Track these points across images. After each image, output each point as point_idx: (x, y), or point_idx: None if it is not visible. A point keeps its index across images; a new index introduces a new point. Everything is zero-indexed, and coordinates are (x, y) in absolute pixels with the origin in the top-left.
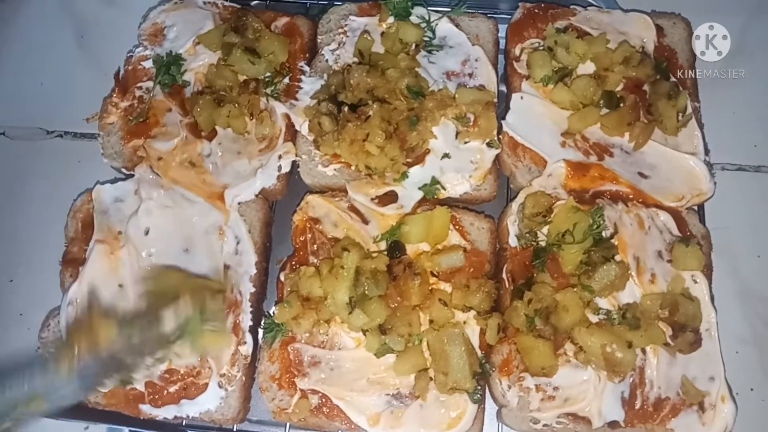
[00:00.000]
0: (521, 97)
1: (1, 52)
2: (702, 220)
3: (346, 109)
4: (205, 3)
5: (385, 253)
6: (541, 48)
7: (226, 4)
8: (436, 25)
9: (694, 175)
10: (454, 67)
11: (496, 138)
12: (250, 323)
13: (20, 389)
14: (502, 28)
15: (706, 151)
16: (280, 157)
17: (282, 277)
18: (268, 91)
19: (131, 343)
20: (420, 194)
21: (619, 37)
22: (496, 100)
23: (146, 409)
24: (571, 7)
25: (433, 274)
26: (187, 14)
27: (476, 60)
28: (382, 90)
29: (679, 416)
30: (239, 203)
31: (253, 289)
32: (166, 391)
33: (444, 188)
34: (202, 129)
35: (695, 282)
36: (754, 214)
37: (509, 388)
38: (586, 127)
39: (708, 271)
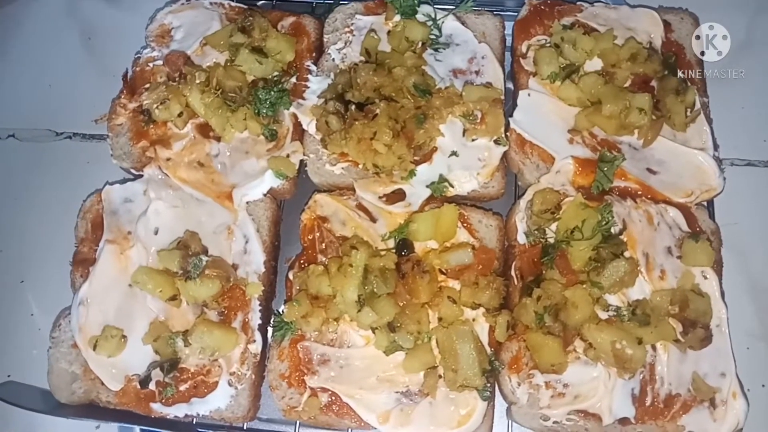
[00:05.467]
0: (528, 94)
1: (9, 55)
2: (711, 216)
3: (353, 107)
4: (211, 3)
5: (394, 251)
6: (548, 45)
7: (233, 4)
8: (443, 23)
9: (703, 170)
10: (461, 65)
11: (503, 135)
12: (260, 322)
13: None
14: (509, 26)
15: (715, 147)
16: (287, 156)
17: (291, 276)
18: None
19: None
20: (428, 192)
21: (626, 33)
22: (503, 97)
23: (157, 408)
24: (578, 3)
25: (441, 272)
26: (193, 15)
27: (483, 57)
28: (389, 88)
29: (690, 413)
30: (247, 203)
31: (262, 288)
32: (176, 390)
33: (452, 186)
34: (217, 132)
35: (705, 278)
36: (764, 209)
37: (519, 385)
38: (594, 123)
39: (718, 267)
